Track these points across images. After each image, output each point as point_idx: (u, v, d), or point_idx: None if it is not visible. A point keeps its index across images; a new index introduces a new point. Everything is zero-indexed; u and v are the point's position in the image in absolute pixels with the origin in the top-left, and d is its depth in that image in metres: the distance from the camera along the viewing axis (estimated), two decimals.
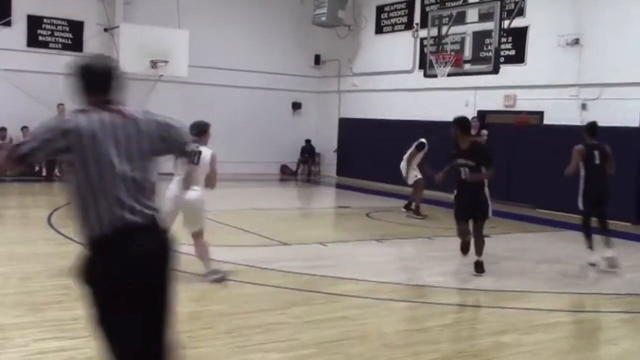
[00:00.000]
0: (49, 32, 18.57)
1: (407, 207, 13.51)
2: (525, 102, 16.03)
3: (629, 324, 6.70)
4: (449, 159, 8.21)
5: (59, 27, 18.69)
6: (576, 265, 9.20)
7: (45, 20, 18.46)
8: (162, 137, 3.35)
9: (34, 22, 18.31)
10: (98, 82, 3.27)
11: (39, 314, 5.72)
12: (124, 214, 3.10)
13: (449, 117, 15.28)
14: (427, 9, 18.21)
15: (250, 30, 21.23)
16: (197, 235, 7.21)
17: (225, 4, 20.78)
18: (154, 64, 17.93)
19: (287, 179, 21.61)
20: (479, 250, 8.12)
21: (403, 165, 13.33)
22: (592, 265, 8.90)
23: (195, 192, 7.07)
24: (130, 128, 3.21)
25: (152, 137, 3.28)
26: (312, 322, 5.93)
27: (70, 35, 18.84)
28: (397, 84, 19.30)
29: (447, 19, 15.44)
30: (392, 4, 20.11)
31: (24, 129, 16.91)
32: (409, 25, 19.48)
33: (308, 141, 22.36)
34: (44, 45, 18.47)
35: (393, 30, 20.13)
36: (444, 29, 15.31)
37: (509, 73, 15.39)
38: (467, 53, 16.45)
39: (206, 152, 7.11)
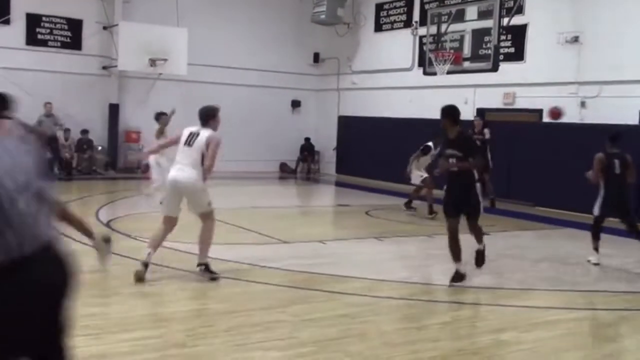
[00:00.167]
0: (48, 31, 18.55)
1: (408, 205, 13.50)
2: (525, 100, 16.04)
3: (628, 321, 6.71)
4: (439, 150, 8.14)
5: (58, 26, 18.67)
6: (575, 262, 9.21)
7: (44, 19, 18.44)
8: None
9: (33, 21, 18.29)
10: None
11: None
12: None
13: None
14: (427, 6, 18.20)
15: (250, 28, 21.22)
16: (204, 217, 7.16)
17: (225, 2, 20.78)
18: (153, 62, 17.93)
19: (287, 177, 21.61)
20: (479, 238, 7.81)
21: (408, 167, 13.25)
22: (595, 264, 8.93)
23: (182, 173, 7.04)
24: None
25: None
26: (311, 320, 5.93)
27: (69, 34, 18.83)
28: (397, 82, 19.30)
29: (446, 16, 15.42)
30: (392, 1, 20.10)
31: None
32: (408, 23, 19.47)
33: (307, 139, 22.36)
34: (43, 43, 18.45)
35: (392, 28, 20.12)
36: (443, 27, 15.29)
37: (508, 71, 15.38)
38: (467, 51, 16.45)
39: (204, 134, 7.06)
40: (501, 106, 16.59)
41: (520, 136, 15.39)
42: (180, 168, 7.09)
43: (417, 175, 13.21)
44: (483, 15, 15.20)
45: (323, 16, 20.29)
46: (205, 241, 7.16)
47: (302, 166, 22.30)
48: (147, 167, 19.37)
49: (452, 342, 5.58)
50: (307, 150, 22.34)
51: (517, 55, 16.06)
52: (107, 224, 10.59)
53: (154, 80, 19.35)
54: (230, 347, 5.11)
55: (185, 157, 7.08)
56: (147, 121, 19.36)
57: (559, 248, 10.44)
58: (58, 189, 15.77)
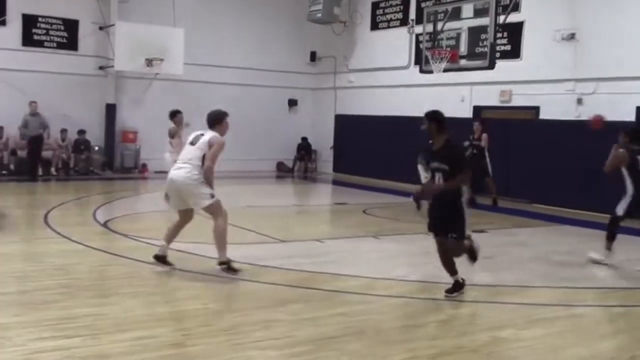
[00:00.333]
0: (44, 31, 18.52)
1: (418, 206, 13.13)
2: (521, 98, 16.05)
3: (625, 317, 6.73)
4: (421, 159, 7.30)
5: (54, 26, 18.64)
6: (573, 259, 9.22)
7: (40, 19, 18.41)
8: None
9: (29, 21, 18.26)
10: None
11: (37, 314, 5.71)
12: None
13: (446, 114, 15.25)
14: (423, 4, 18.21)
15: (246, 27, 21.21)
16: (213, 214, 7.14)
17: (221, 2, 20.77)
18: (149, 62, 17.92)
19: (284, 176, 21.61)
20: (449, 270, 6.90)
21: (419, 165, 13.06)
22: (604, 264, 8.67)
23: (179, 172, 7.07)
24: None
25: None
26: (309, 319, 5.93)
27: (65, 34, 18.79)
28: (393, 80, 19.30)
29: (442, 14, 15.42)
30: (388, 0, 20.10)
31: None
32: (404, 22, 19.48)
33: (304, 138, 22.35)
34: (39, 44, 18.42)
35: (389, 27, 20.12)
36: (440, 25, 15.29)
37: (505, 68, 15.39)
38: (463, 49, 16.46)
39: (208, 134, 7.12)
40: (498, 104, 16.60)
41: (517, 133, 15.42)
42: (178, 166, 7.16)
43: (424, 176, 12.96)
44: (479, 12, 15.23)
45: (319, 15, 20.28)
46: (217, 239, 7.14)
47: (299, 165, 22.31)
48: (144, 167, 19.46)
49: (451, 340, 5.58)
50: (304, 149, 22.34)
51: (514, 52, 16.06)
52: (105, 224, 10.59)
53: (151, 80, 19.35)
54: (228, 347, 5.11)
55: (186, 155, 7.17)
56: (144, 121, 19.46)
57: (556, 245, 10.45)
58: (56, 189, 15.72)
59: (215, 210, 7.14)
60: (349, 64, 21.52)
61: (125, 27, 17.86)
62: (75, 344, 4.98)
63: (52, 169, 17.83)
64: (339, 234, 11.05)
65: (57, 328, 5.33)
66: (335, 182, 20.01)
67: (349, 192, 17.24)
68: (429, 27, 15.42)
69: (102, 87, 19.36)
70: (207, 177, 7.05)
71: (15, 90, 17.49)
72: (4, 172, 17.31)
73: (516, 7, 15.46)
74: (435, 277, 7.59)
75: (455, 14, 15.73)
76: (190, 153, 7.12)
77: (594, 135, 12.02)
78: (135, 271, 7.48)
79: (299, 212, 14.71)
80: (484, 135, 14.42)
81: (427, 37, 15.46)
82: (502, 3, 14.52)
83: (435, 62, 14.78)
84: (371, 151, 19.16)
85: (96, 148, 19.21)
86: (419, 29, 17.69)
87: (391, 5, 20.00)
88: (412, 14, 19.12)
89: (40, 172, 17.28)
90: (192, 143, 7.18)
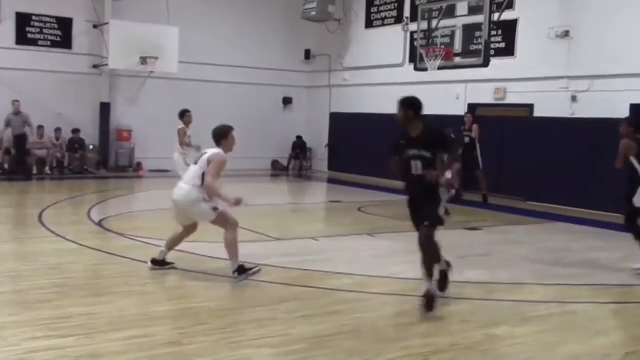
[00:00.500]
0: (38, 30, 18.48)
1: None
2: (516, 95, 16.08)
3: (619, 314, 6.75)
4: (392, 150, 6.75)
5: (48, 25, 18.60)
6: (566, 257, 9.24)
7: (34, 18, 18.37)
8: None
9: (23, 20, 18.22)
10: None
11: (31, 313, 5.70)
12: None
13: (441, 111, 15.32)
14: (417, 2, 18.24)
15: (241, 26, 21.19)
16: (222, 226, 7.11)
17: (215, 0, 20.73)
18: (144, 61, 17.89)
19: (279, 175, 21.61)
20: (429, 260, 6.29)
21: None
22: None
23: (179, 192, 7.10)
24: None
25: None
26: (304, 317, 5.94)
27: (59, 33, 18.76)
28: (388, 78, 19.30)
29: (437, 12, 15.45)
30: None
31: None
32: (399, 19, 19.49)
33: (299, 137, 22.34)
34: (33, 42, 18.39)
35: (383, 25, 20.13)
36: (434, 23, 15.33)
37: (499, 66, 15.42)
38: (457, 46, 16.51)
39: (209, 152, 7.14)
40: (492, 101, 16.62)
41: (511, 131, 15.44)
42: (179, 187, 7.20)
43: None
44: (473, 10, 15.25)
45: (314, 13, 20.28)
46: (228, 250, 7.09)
47: (294, 163, 22.31)
48: (139, 166, 19.42)
49: (445, 338, 5.59)
50: (299, 148, 22.34)
51: (508, 50, 16.09)
52: (99, 224, 10.57)
53: (145, 78, 19.32)
54: (224, 345, 5.11)
55: (187, 175, 7.21)
56: (139, 120, 19.44)
57: (550, 242, 10.48)
58: (50, 188, 15.69)
59: (222, 223, 7.10)
60: (343, 62, 21.52)
61: (120, 25, 17.82)
62: (70, 344, 4.97)
63: (47, 168, 17.79)
64: (334, 232, 11.06)
65: (51, 327, 5.32)
66: (330, 180, 20.01)
67: (343, 190, 17.26)
68: (424, 25, 15.44)
69: (96, 86, 19.32)
70: (210, 193, 7.01)
71: (9, 89, 17.43)
72: None
73: (510, 5, 15.48)
74: None
75: (450, 12, 15.76)
76: (191, 173, 7.16)
77: (589, 132, 12.05)
78: (130, 270, 7.48)
79: (294, 211, 14.71)
80: (475, 126, 14.47)
81: (421, 35, 15.46)
82: (496, 1, 14.54)
83: (430, 60, 14.80)
84: (366, 149, 19.16)
85: (91, 147, 19.18)
86: (413, 26, 17.69)
87: (386, 3, 20.00)
88: (407, 12, 19.13)
89: (34, 171, 17.24)
90: (195, 163, 7.23)
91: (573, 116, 14.56)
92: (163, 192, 15.85)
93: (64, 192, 14.72)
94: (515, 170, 15.22)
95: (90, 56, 19.15)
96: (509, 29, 15.89)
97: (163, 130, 19.00)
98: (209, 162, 7.05)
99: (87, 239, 8.98)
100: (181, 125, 12.60)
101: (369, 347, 5.22)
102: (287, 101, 22.64)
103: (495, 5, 14.24)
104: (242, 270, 7.05)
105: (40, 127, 17.72)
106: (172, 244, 7.46)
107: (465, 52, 15.95)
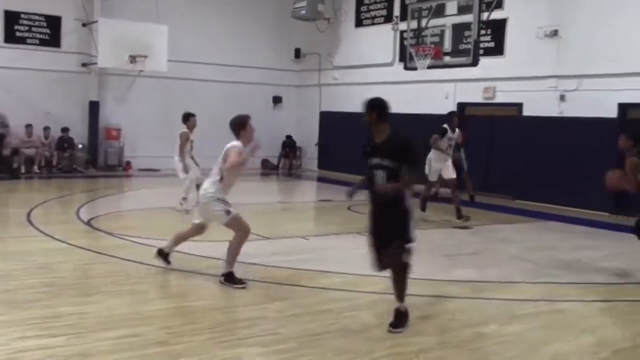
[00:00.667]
0: (27, 28, 18.38)
1: (459, 215, 12.06)
2: (505, 94, 16.13)
3: (606, 312, 6.80)
4: (362, 156, 5.94)
5: (37, 23, 18.50)
6: (555, 255, 9.29)
7: (22, 16, 18.27)
8: None
9: (11, 18, 18.12)
10: None
11: (20, 313, 5.68)
12: None
13: (430, 110, 15.30)
14: (407, 1, 18.21)
15: (230, 24, 21.16)
16: (232, 229, 7.09)
17: None
18: (133, 59, 17.83)
19: (269, 174, 21.60)
20: (400, 292, 5.81)
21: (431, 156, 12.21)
22: None
23: (203, 186, 7.19)
24: None
25: None
26: (294, 315, 5.95)
27: (47, 31, 18.66)
28: (378, 77, 19.32)
29: (426, 11, 15.47)
30: None
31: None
32: (388, 18, 19.52)
33: (289, 136, 22.33)
34: (22, 40, 18.29)
35: (373, 23, 20.15)
36: (424, 22, 15.34)
37: (488, 65, 15.46)
38: (447, 45, 16.55)
39: (227, 145, 7.16)
40: (481, 100, 16.67)
41: (501, 130, 15.51)
42: (204, 182, 7.30)
43: (437, 168, 12.21)
44: (463, 10, 15.29)
45: (304, 12, 20.27)
46: (230, 250, 7.05)
47: (284, 162, 22.30)
48: (128, 164, 19.36)
49: (434, 336, 5.61)
50: (289, 147, 22.33)
51: (497, 49, 16.14)
52: (88, 223, 10.54)
53: (134, 77, 19.26)
54: (213, 344, 5.12)
55: (212, 171, 7.20)
56: (128, 118, 19.38)
57: (538, 241, 10.54)
58: (38, 187, 15.58)
59: (234, 227, 7.06)
60: (333, 61, 21.53)
61: (109, 23, 17.77)
62: (60, 343, 4.97)
63: (35, 167, 17.71)
64: (324, 230, 11.08)
65: (41, 327, 5.31)
66: (320, 179, 20.02)
67: (333, 189, 17.25)
68: (413, 24, 15.46)
69: (85, 84, 19.24)
70: (226, 184, 7.06)
71: None
72: None
73: (499, 5, 15.53)
74: (418, 274, 7.62)
75: (439, 11, 15.78)
76: (214, 169, 7.17)
77: (578, 132, 12.11)
78: (119, 269, 7.47)
79: (284, 209, 14.72)
80: (457, 132, 14.11)
81: (411, 34, 15.50)
82: (485, 0, 14.58)
83: (420, 59, 14.82)
84: (356, 148, 19.09)
85: (79, 146, 19.08)
86: (403, 25, 17.73)
87: (375, 2, 20.02)
88: (397, 11, 19.16)
89: (22, 170, 17.15)
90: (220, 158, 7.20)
91: (561, 115, 14.63)
92: (152, 191, 15.99)
93: (53, 191, 14.65)
94: (503, 168, 15.29)
95: (79, 54, 19.07)
96: (498, 29, 15.95)
97: (152, 129, 19.05)
98: (225, 157, 7.03)
99: (76, 238, 8.95)
100: (184, 129, 11.69)
101: (357, 346, 5.24)
102: (277, 100, 22.62)
103: (484, 5, 14.28)
104: (229, 278, 6.96)
105: (29, 126, 17.64)
106: (178, 240, 7.46)
107: (455, 51, 15.99)
